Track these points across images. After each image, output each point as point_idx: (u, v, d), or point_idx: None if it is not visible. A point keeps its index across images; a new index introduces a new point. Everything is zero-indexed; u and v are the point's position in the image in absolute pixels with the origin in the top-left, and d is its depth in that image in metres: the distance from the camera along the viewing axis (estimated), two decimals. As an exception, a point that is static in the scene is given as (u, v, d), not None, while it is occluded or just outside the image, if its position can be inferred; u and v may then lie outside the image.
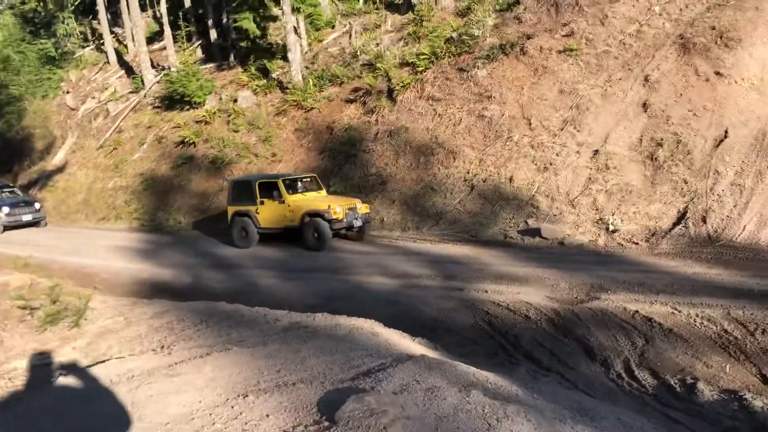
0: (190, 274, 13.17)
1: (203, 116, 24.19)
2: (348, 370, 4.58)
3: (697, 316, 8.39)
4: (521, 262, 11.85)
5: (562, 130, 16.12)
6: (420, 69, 19.77)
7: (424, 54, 20.02)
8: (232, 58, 28.27)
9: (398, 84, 19.65)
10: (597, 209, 13.78)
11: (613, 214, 13.41)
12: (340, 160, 19.57)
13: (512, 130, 16.82)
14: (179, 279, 12.86)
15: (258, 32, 26.22)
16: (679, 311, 8.60)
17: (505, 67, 18.41)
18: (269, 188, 15.34)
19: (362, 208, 15.03)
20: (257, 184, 15.46)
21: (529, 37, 18.79)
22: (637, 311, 8.73)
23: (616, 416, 4.15)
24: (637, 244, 12.36)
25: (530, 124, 16.74)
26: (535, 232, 13.57)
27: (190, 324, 7.00)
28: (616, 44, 17.59)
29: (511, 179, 15.54)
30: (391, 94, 19.86)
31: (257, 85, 24.84)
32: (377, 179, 18.09)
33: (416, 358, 4.56)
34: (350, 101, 21.37)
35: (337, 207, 14.19)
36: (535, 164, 15.61)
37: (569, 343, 8.20)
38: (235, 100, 24.47)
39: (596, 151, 15.08)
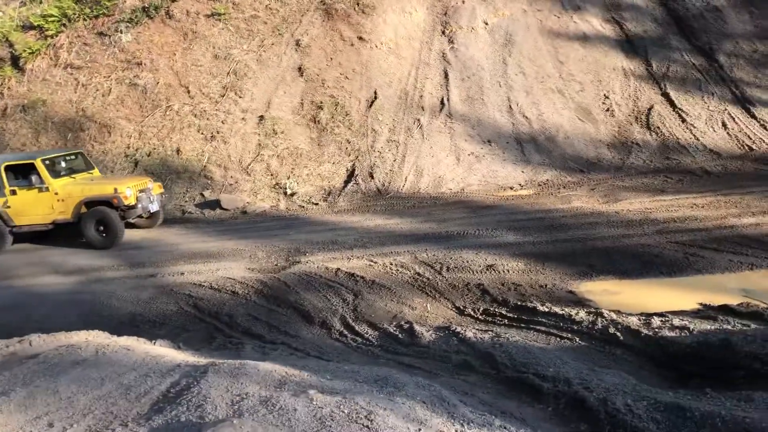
0: None
1: None
2: (138, 400, 3.71)
3: (392, 264, 9.09)
4: (210, 237, 11.38)
5: (223, 96, 15.77)
6: (50, 33, 17.29)
7: (52, 16, 17.51)
8: None
9: (25, 50, 16.93)
10: (272, 174, 13.92)
11: (288, 178, 13.70)
12: (-41, 143, 16.20)
13: (170, 98, 15.87)
14: None
15: None
16: (375, 262, 9.22)
17: (152, 32, 17.21)
18: (22, 172, 11.75)
19: (155, 187, 12.23)
20: (3, 167, 11.69)
21: (173, 0, 17.78)
22: (338, 269, 9.08)
23: (413, 380, 4.22)
24: (316, 204, 12.86)
25: (189, 91, 16.00)
26: (215, 204, 13.16)
27: None
28: (263, 9, 17.73)
29: (178, 151, 14.72)
30: (17, 63, 17.03)
31: None
32: (14, 163, 15.43)
33: (212, 368, 3.91)
34: (-40, 72, 17.71)
35: (126, 190, 11.27)
36: (202, 133, 15.04)
37: (284, 311, 8.14)
38: None
39: (261, 117, 15.13)
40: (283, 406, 3.20)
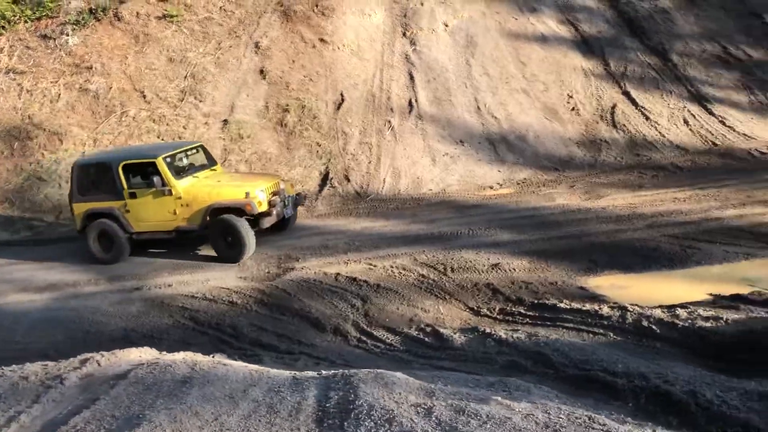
0: None
1: None
2: (295, 418, 3.22)
3: (392, 267, 8.89)
4: (186, 247, 10.79)
5: (182, 101, 15.15)
6: (-12, 36, 16.19)
7: (-12, 18, 16.41)
8: None
9: (-40, 54, 15.78)
10: (242, 180, 13.43)
11: (259, 183, 13.25)
12: None
13: (125, 104, 15.13)
14: None
15: None
16: (375, 266, 8.99)
17: (101, 34, 16.39)
18: (141, 172, 10.23)
19: (287, 187, 10.69)
20: (121, 167, 10.10)
21: (122, 2, 16.99)
22: (338, 273, 8.82)
23: (525, 384, 4.02)
24: (293, 209, 12.48)
25: (145, 96, 15.30)
26: (185, 212, 12.54)
27: None
28: (218, 11, 17.19)
29: (139, 158, 14.01)
30: (-48, 68, 15.85)
31: None
32: (-46, 174, 14.36)
33: (356, 379, 3.56)
34: None
35: (259, 193, 9.65)
36: (162, 139, 14.37)
37: (291, 320, 7.83)
38: None
39: (225, 121, 14.62)
40: (492, 415, 2.92)
